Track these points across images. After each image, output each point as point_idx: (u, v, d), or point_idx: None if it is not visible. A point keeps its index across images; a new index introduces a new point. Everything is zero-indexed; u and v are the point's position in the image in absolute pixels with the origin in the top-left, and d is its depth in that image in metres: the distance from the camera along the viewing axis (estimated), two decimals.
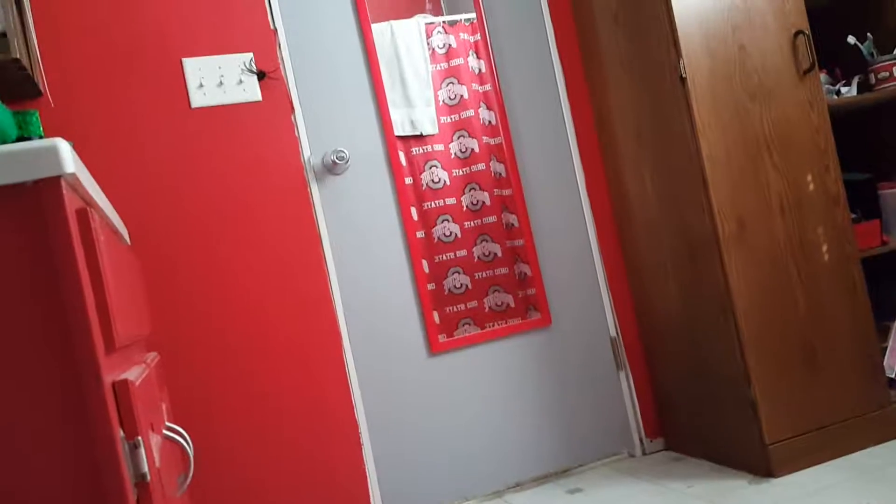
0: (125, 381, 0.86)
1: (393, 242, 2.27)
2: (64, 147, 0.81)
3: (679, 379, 2.32)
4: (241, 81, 2.08)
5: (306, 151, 2.16)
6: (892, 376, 2.21)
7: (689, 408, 2.29)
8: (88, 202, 0.97)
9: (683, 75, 2.02)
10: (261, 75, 2.10)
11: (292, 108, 2.14)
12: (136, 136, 1.99)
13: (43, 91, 1.87)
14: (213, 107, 2.06)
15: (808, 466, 2.03)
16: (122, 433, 0.84)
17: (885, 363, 2.20)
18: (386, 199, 2.27)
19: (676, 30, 2.03)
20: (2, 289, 0.79)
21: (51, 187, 0.80)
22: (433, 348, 2.28)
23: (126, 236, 1.57)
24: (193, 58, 2.05)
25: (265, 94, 2.11)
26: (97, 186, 1.07)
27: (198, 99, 2.04)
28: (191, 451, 1.20)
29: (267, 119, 2.11)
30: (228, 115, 2.08)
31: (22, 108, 1.86)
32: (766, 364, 2.03)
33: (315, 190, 2.17)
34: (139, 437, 0.86)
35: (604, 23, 2.32)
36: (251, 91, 2.09)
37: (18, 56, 1.64)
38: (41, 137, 1.14)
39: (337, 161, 2.13)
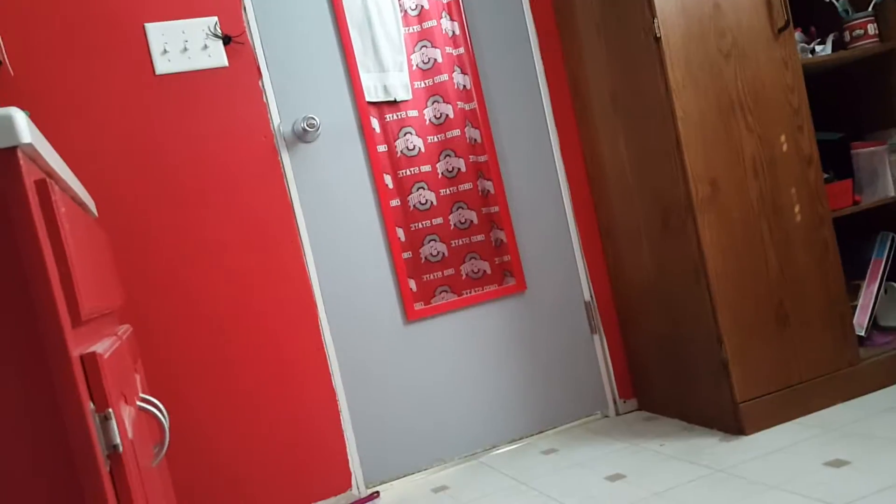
0: (93, 354, 0.84)
1: (367, 211, 2.25)
2: (19, 117, 0.78)
3: (652, 341, 2.34)
4: (206, 46, 2.03)
5: (276, 119, 2.12)
6: (863, 334, 2.25)
7: (663, 369, 2.32)
8: (48, 173, 0.94)
9: (658, 35, 2.01)
10: (226, 40, 2.05)
11: (260, 74, 2.10)
12: (101, 104, 1.94)
13: (1, 60, 1.81)
14: (178, 73, 2.01)
15: (779, 424, 2.07)
16: (91, 405, 0.83)
17: (854, 321, 2.24)
18: (359, 166, 2.24)
19: None
20: None
21: (7, 158, 0.78)
22: (409, 316, 2.27)
23: (93, 209, 1.54)
24: (156, 22, 1.99)
25: (231, 60, 2.06)
26: (58, 157, 1.04)
27: (162, 65, 1.99)
28: (165, 422, 1.20)
29: (234, 85, 2.07)
30: (194, 82, 2.03)
31: None
32: (738, 324, 2.06)
33: (286, 158, 2.13)
34: (110, 409, 0.85)
35: None
36: (217, 56, 2.04)
37: None
38: None
39: (307, 128, 2.10)
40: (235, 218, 2.05)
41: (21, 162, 0.79)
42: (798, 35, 2.30)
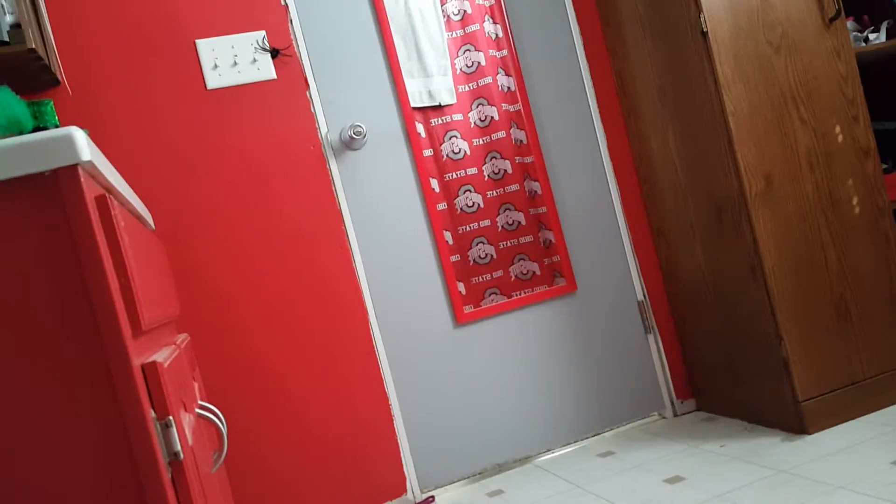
0: (154, 363, 0.87)
1: (414, 215, 2.26)
2: (79, 135, 0.81)
3: (709, 339, 2.30)
4: (254, 60, 2.07)
5: (323, 128, 2.16)
6: None
7: (720, 368, 2.28)
8: (107, 188, 0.97)
9: (704, 30, 1.98)
10: (274, 53, 2.09)
11: (307, 85, 2.13)
12: (155, 120, 2.00)
13: (60, 80, 1.88)
14: (228, 87, 2.06)
15: (842, 422, 2.01)
16: (153, 413, 0.86)
17: None
18: (405, 171, 2.26)
19: None
20: (26, 279, 0.80)
21: (68, 176, 0.81)
22: (459, 319, 2.28)
23: (151, 222, 1.58)
24: (207, 38, 2.04)
25: (279, 72, 2.10)
26: (116, 173, 1.07)
27: (213, 80, 2.04)
28: (223, 428, 1.22)
29: (282, 97, 2.10)
30: (244, 95, 2.08)
31: (39, 98, 1.88)
32: (798, 321, 2.00)
33: (334, 166, 2.16)
34: (170, 417, 0.87)
35: None
36: (265, 69, 2.09)
37: (34, 46, 1.65)
38: (57, 127, 1.15)
39: (354, 136, 2.12)
40: (285, 226, 2.08)
41: (82, 179, 0.82)
42: (850, 24, 2.24)
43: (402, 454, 2.16)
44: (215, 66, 2.04)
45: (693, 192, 2.19)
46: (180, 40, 2.02)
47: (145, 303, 0.94)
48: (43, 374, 0.81)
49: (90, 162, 0.83)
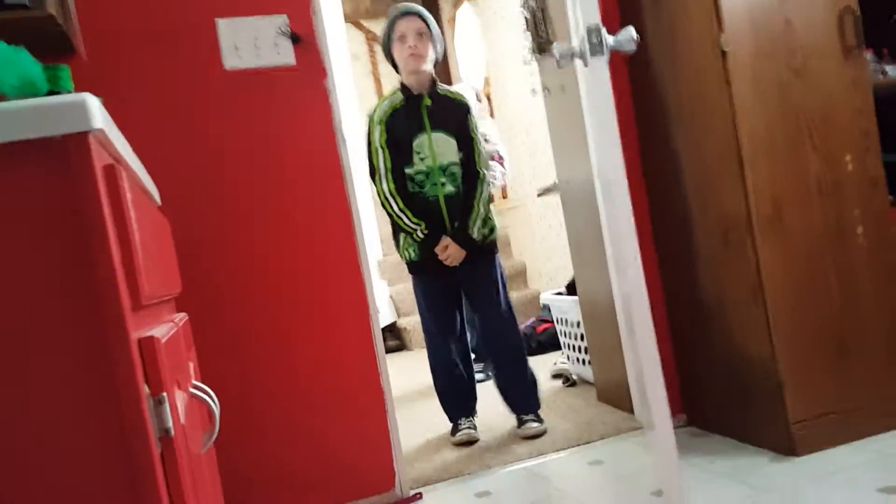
0: (151, 338, 0.87)
1: None
2: (93, 102, 0.81)
3: (705, 356, 2.29)
4: (275, 45, 2.07)
5: (337, 118, 2.15)
6: None
7: (714, 386, 2.27)
8: (117, 159, 0.97)
9: (725, 49, 1.97)
10: (296, 39, 2.09)
11: (325, 74, 2.13)
12: (170, 95, 2.00)
13: (77, 48, 1.88)
14: (246, 69, 2.06)
15: (832, 447, 2.01)
16: (147, 389, 0.85)
17: None
18: None
19: (720, 2, 1.98)
20: (29, 242, 0.80)
21: (78, 142, 0.80)
22: None
23: (157, 197, 1.58)
24: (228, 18, 2.04)
25: (299, 59, 2.10)
26: (127, 144, 1.07)
27: (231, 60, 2.04)
28: (216, 409, 1.22)
29: (300, 84, 2.10)
30: (262, 79, 2.07)
31: (55, 63, 1.88)
32: (796, 346, 2.00)
33: (346, 156, 2.16)
34: (164, 393, 0.87)
35: None
36: (285, 54, 2.08)
37: (53, 13, 1.65)
38: (70, 91, 1.14)
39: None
40: (294, 212, 2.08)
41: (92, 147, 0.81)
42: (870, 56, 2.23)
43: (392, 450, 2.15)
44: (235, 48, 2.03)
45: (701, 211, 2.18)
46: (201, 18, 2.02)
47: (147, 276, 0.93)
48: (38, 338, 0.81)
49: (101, 130, 0.83)
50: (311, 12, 2.12)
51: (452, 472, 2.28)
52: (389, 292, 5.71)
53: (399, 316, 5.71)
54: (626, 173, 1.55)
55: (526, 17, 2.96)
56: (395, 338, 5.57)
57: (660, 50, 2.24)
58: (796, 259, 2.01)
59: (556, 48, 1.70)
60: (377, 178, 2.60)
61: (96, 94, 1.92)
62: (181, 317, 1.48)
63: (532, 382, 2.74)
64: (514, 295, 5.44)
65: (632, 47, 1.65)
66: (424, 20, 2.61)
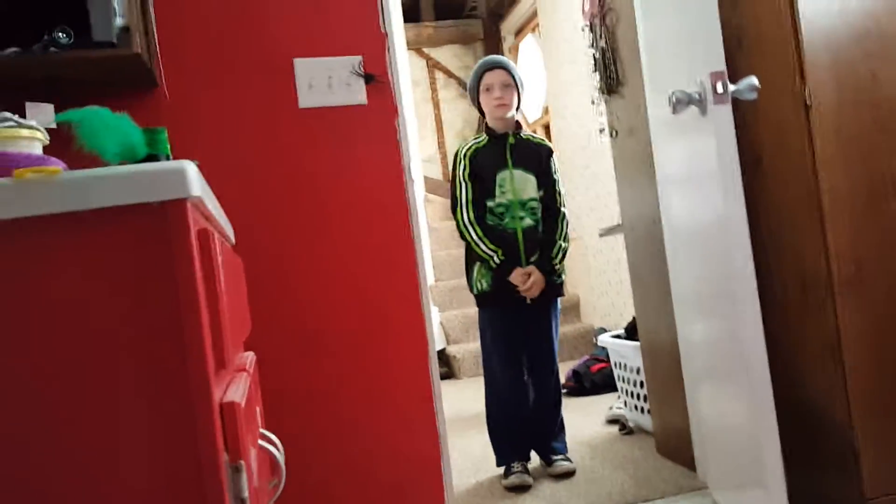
0: (232, 404, 0.86)
1: None
2: (191, 169, 0.81)
3: (778, 419, 2.20)
4: (349, 84, 2.08)
5: (407, 157, 2.15)
6: None
7: (786, 449, 2.18)
8: (208, 218, 0.97)
9: (809, 103, 1.91)
10: (368, 78, 2.10)
11: (396, 114, 2.13)
12: (246, 132, 2.02)
13: (159, 83, 1.92)
14: (320, 107, 2.07)
15: None
16: (226, 457, 0.84)
17: None
18: None
19: (803, 53, 1.92)
20: (122, 303, 0.80)
21: (176, 208, 0.81)
22: None
23: (232, 236, 1.59)
24: (305, 58, 2.06)
25: (371, 98, 2.11)
26: (215, 199, 1.08)
27: (306, 99, 2.06)
28: (282, 461, 1.21)
29: (371, 123, 2.11)
30: (334, 117, 2.08)
31: (137, 98, 1.92)
32: (874, 412, 1.91)
33: (411, 193, 2.15)
34: (241, 461, 0.86)
35: (725, 40, 2.21)
36: (358, 94, 2.09)
37: (139, 52, 1.69)
38: (168, 156, 1.16)
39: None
40: (360, 250, 2.08)
41: (189, 213, 0.81)
42: None
43: (445, 498, 2.12)
44: (310, 86, 2.05)
45: (778, 264, 2.11)
46: (279, 57, 2.04)
47: (231, 339, 0.93)
48: (125, 401, 0.81)
49: (199, 197, 0.83)
50: (386, 52, 2.13)
51: None
52: (440, 318, 5.69)
53: (448, 343, 5.68)
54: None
55: (595, 57, 2.94)
56: (443, 365, 5.55)
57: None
58: (878, 322, 1.92)
59: (674, 94, 1.68)
60: (458, 208, 2.72)
61: (176, 128, 1.97)
62: (251, 358, 1.49)
63: (562, 426, 2.83)
64: (567, 329, 5.37)
65: (753, 96, 1.63)
66: (510, 72, 2.77)
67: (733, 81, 1.92)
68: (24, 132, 0.93)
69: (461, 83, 7.73)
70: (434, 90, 7.69)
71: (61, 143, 1.14)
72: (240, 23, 2.03)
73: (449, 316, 5.73)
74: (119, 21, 1.70)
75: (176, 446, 0.82)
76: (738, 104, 2.17)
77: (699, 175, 2.08)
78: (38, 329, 0.78)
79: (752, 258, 1.83)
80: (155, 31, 1.91)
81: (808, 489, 2.09)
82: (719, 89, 1.63)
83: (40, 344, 0.78)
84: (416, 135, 6.38)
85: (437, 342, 5.47)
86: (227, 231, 1.49)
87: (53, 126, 1.75)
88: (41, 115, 1.72)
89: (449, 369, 5.53)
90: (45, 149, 1.04)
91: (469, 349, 5.33)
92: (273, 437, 1.26)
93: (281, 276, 2.02)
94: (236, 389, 0.96)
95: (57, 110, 1.78)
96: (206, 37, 2.00)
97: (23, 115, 1.70)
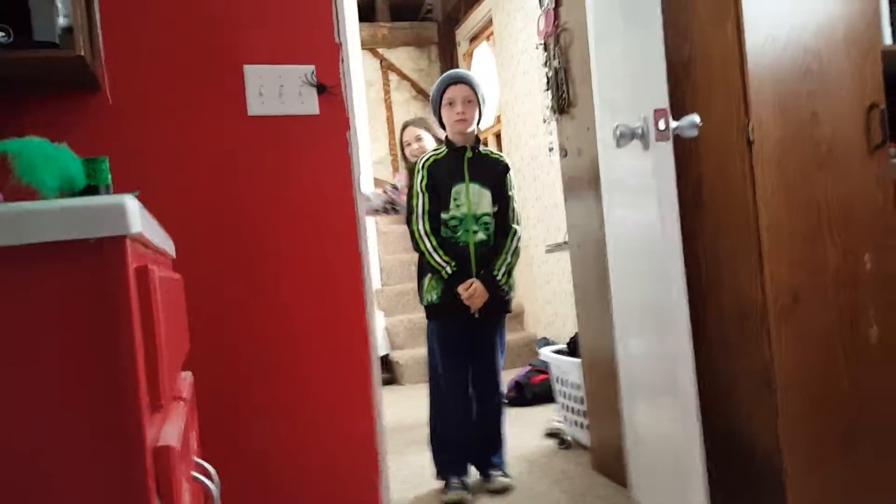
0: (167, 448, 0.83)
1: None
2: (132, 205, 0.78)
3: (709, 441, 2.25)
4: (300, 94, 2.05)
5: (356, 171, 2.13)
6: None
7: (713, 475, 2.23)
8: (147, 245, 0.94)
9: (751, 139, 1.96)
10: (321, 89, 2.07)
11: (348, 126, 2.11)
12: (192, 139, 1.97)
13: (102, 87, 1.86)
14: (269, 116, 2.03)
15: None
16: (157, 502, 0.82)
17: None
18: None
19: (748, 88, 1.97)
20: (55, 346, 0.77)
21: (114, 246, 0.78)
22: None
23: (172, 251, 1.55)
24: (255, 65, 2.02)
25: (323, 109, 2.08)
26: (155, 223, 1.04)
27: (255, 107, 2.02)
28: (217, 494, 1.18)
29: (323, 134, 2.08)
30: (284, 126, 2.05)
31: (79, 100, 1.86)
32: (802, 440, 1.97)
33: (360, 204, 2.13)
34: None
35: (673, 70, 2.26)
36: (309, 104, 2.06)
37: (83, 53, 1.63)
38: (108, 186, 1.12)
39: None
40: (306, 266, 2.05)
41: (128, 251, 0.79)
42: (893, 150, 2.23)
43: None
44: (260, 94, 2.01)
45: (715, 293, 2.16)
46: (229, 63, 2.00)
47: (168, 376, 0.90)
48: (52, 446, 0.78)
49: (139, 233, 0.80)
50: (339, 63, 2.10)
51: None
52: (385, 323, 5.67)
53: (392, 348, 5.66)
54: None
55: (548, 76, 2.97)
56: (386, 370, 5.53)
57: None
58: (809, 353, 1.98)
59: (618, 127, 1.70)
60: (414, 217, 2.74)
61: (117, 134, 1.90)
62: (188, 380, 1.45)
63: (502, 441, 2.84)
64: (511, 337, 5.37)
65: (693, 133, 1.66)
66: (473, 88, 2.80)
67: (679, 113, 1.96)
68: None
69: (414, 85, 7.72)
70: (387, 91, 7.66)
71: None
72: (189, 26, 1.98)
73: (394, 321, 5.71)
74: (62, 21, 1.64)
75: (107, 491, 0.79)
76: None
77: (642, 201, 2.12)
78: None
79: (687, 288, 1.87)
80: (100, 32, 1.84)
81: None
82: (661, 126, 1.66)
83: None
84: (367, 136, 6.34)
85: (381, 348, 5.46)
86: (167, 247, 1.44)
87: None
88: None
89: (392, 375, 5.51)
90: None
91: (413, 355, 5.32)
92: (209, 466, 1.23)
93: (223, 285, 1.98)
94: (171, 429, 0.93)
95: None
96: (153, 39, 1.94)
97: None
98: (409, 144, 3.44)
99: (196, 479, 1.13)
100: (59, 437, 0.77)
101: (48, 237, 0.75)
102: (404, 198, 3.46)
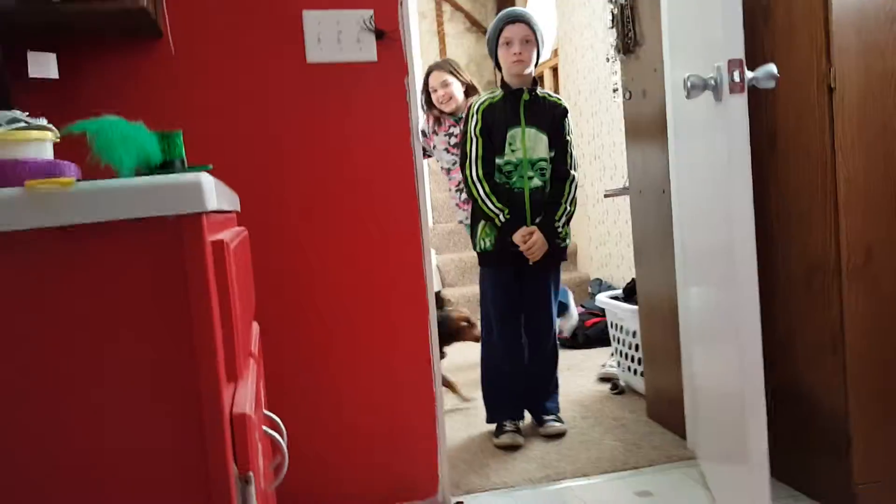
0: (242, 416, 0.85)
1: None
2: (207, 184, 0.78)
3: (771, 400, 2.22)
4: (358, 40, 2.01)
5: (415, 118, 2.10)
6: None
7: (782, 430, 2.20)
8: (220, 214, 0.94)
9: (833, 86, 1.86)
10: (379, 34, 2.03)
11: (406, 72, 2.07)
12: (252, 85, 1.96)
13: (164, 35, 1.85)
14: (328, 63, 2.01)
15: None
16: (235, 469, 0.84)
17: None
18: None
19: (832, 35, 1.86)
20: (136, 321, 0.78)
21: (192, 223, 0.78)
22: None
23: (237, 204, 1.56)
24: (314, 10, 1.98)
25: (381, 55, 2.04)
26: (223, 186, 1.04)
27: (314, 54, 1.99)
28: (285, 445, 1.21)
29: (380, 81, 2.05)
30: (342, 73, 2.02)
31: (141, 49, 1.86)
32: (870, 403, 1.92)
33: (418, 152, 2.11)
34: (250, 473, 0.85)
35: (750, 16, 2.14)
36: (367, 50, 2.03)
37: (145, 5, 1.62)
38: (183, 160, 1.11)
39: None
40: (364, 212, 2.06)
41: (205, 227, 0.79)
42: None
43: (438, 455, 2.15)
44: (318, 41, 1.98)
45: (784, 252, 2.09)
46: (288, 9, 1.97)
47: (242, 342, 0.92)
48: (136, 416, 0.80)
49: (215, 209, 0.80)
50: (398, 7, 2.05)
51: (495, 483, 2.28)
52: (436, 261, 5.70)
53: (444, 286, 5.70)
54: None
55: (613, 13, 2.85)
56: (438, 307, 5.57)
57: None
58: (881, 312, 1.92)
59: (689, 78, 1.63)
60: (467, 163, 2.68)
61: (180, 82, 1.90)
62: (255, 333, 1.47)
63: (556, 386, 2.86)
64: (563, 277, 5.38)
65: (770, 84, 1.58)
66: (532, 27, 2.69)
67: (755, 62, 1.86)
68: (34, 134, 0.88)
69: (468, 17, 7.52)
70: (440, 23, 7.49)
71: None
72: None
73: (445, 259, 5.73)
74: None
75: (186, 459, 0.81)
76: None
77: (712, 150, 2.04)
78: (48, 343, 0.76)
79: (755, 241, 1.81)
80: None
81: (801, 466, 2.13)
82: (736, 78, 1.58)
83: (51, 358, 0.76)
84: (420, 70, 6.24)
85: (434, 285, 5.51)
86: (234, 202, 1.45)
87: (55, 77, 1.70)
88: (43, 65, 1.66)
89: (442, 311, 5.56)
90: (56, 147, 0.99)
91: (464, 293, 5.35)
92: (276, 418, 1.26)
93: (283, 232, 2.00)
94: (245, 394, 0.95)
95: (58, 59, 1.72)
96: None
97: (24, 64, 1.64)
98: (434, 91, 3.32)
99: (267, 433, 1.16)
100: (141, 407, 0.80)
101: (128, 215, 0.76)
102: (430, 143, 3.44)
